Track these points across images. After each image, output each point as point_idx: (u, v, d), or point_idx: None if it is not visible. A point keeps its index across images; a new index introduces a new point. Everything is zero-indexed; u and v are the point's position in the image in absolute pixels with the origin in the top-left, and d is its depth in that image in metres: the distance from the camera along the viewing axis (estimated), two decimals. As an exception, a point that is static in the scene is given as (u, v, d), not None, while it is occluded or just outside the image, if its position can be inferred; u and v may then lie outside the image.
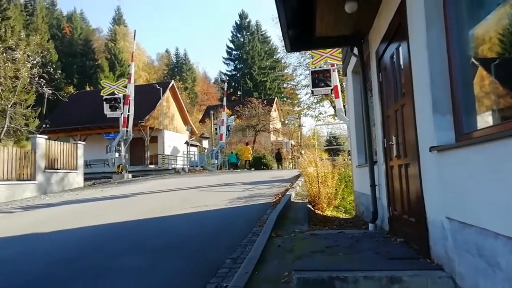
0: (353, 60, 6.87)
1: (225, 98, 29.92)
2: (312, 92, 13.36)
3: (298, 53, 26.97)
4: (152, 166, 27.39)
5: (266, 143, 39.84)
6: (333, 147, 32.14)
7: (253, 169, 26.71)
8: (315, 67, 13.02)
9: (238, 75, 63.41)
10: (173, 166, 27.79)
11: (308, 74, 15.74)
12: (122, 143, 18.69)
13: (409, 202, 3.79)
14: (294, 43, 5.75)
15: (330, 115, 28.66)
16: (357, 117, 7.13)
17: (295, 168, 26.59)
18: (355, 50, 5.84)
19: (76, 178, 14.80)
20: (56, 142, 14.44)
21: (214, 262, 3.90)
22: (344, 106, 12.43)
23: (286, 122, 47.88)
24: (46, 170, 13.06)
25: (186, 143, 29.46)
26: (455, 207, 2.64)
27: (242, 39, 65.29)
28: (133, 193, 10.84)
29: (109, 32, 66.17)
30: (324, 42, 6.26)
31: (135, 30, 25.64)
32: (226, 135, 28.66)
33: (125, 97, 18.38)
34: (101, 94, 18.66)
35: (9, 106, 18.68)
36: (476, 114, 2.63)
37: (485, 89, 2.59)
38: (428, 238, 3.18)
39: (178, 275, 3.69)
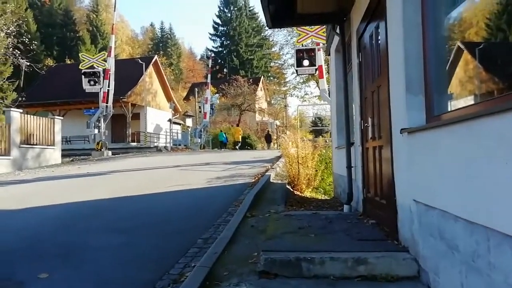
0: (336, 39, 6.76)
1: (209, 76, 29.41)
2: (296, 71, 13.18)
3: (285, 31, 26.66)
4: (133, 144, 27.02)
5: (251, 123, 39.68)
6: (318, 128, 32.26)
7: (238, 148, 26.78)
8: (301, 45, 12.82)
9: (224, 52, 62.30)
10: (155, 144, 27.47)
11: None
12: (102, 119, 18.26)
13: (382, 184, 3.79)
14: (275, 19, 5.58)
15: (315, 96, 28.66)
16: (338, 98, 7.08)
17: (279, 148, 26.69)
18: (337, 29, 5.73)
19: (53, 154, 14.45)
20: (33, 116, 13.97)
21: (185, 242, 3.87)
22: (328, 86, 12.37)
23: (272, 102, 47.69)
24: (22, 145, 12.68)
25: (169, 121, 29.09)
26: (421, 190, 2.64)
27: (229, 15, 63.84)
28: (111, 171, 10.66)
29: (90, 2, 63.55)
30: (307, 19, 6.13)
31: (115, 1, 24.60)
32: (210, 113, 28.36)
33: (105, 71, 17.84)
34: (80, 67, 18.05)
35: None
36: (448, 97, 2.59)
37: (459, 72, 2.54)
38: (397, 221, 3.20)
39: (148, 255, 3.63)
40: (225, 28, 63.33)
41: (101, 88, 17.77)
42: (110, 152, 18.68)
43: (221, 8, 64.82)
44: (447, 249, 2.20)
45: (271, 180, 8.05)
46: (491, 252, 1.71)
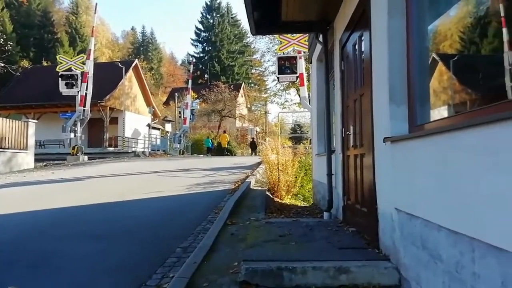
0: (318, 48, 6.82)
1: (190, 81, 29.19)
2: (278, 78, 13.25)
3: (267, 38, 26.88)
4: (111, 149, 26.40)
5: (231, 129, 39.56)
6: (297, 135, 32.49)
7: (226, 153, 27.07)
8: (282, 53, 12.90)
9: (206, 57, 62.14)
10: (133, 149, 26.96)
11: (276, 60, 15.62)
12: (79, 123, 17.78)
13: (363, 192, 3.80)
14: (260, 26, 5.60)
15: (295, 103, 28.88)
16: (319, 105, 7.12)
17: (258, 155, 26.71)
18: (320, 37, 5.77)
19: (26, 159, 13.92)
20: (4, 119, 13.43)
21: (163, 251, 3.75)
22: (308, 94, 12.47)
23: (253, 108, 47.79)
24: (-8, 149, 12.19)
25: (148, 125, 28.65)
26: (403, 198, 2.64)
27: (211, 21, 63.84)
28: (86, 177, 10.35)
29: (70, 4, 62.25)
30: (291, 27, 6.16)
31: (96, 3, 24.20)
32: (190, 119, 28.12)
33: (83, 74, 17.42)
34: (57, 69, 17.57)
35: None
36: (430, 107, 2.62)
37: (441, 83, 2.58)
38: (378, 229, 3.20)
39: (123, 265, 3.49)
40: (207, 34, 63.27)
41: (78, 91, 17.32)
42: (86, 157, 18.19)
43: (204, 14, 64.81)
44: (429, 259, 2.20)
45: (251, 187, 7.99)
46: (476, 263, 1.71)
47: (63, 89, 17.05)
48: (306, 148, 13.85)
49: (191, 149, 30.02)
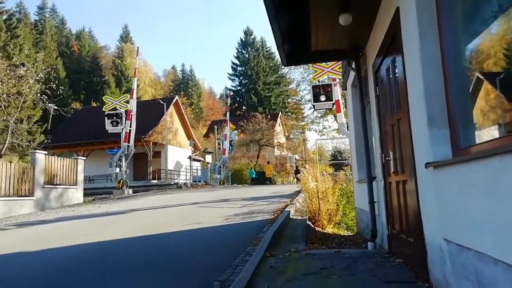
0: (352, 74, 6.77)
1: (228, 113, 29.89)
2: (314, 106, 13.20)
3: (301, 68, 27.07)
4: (154, 181, 27.24)
5: (270, 158, 39.62)
6: (337, 161, 31.85)
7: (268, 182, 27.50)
8: (317, 82, 12.92)
9: (243, 90, 63.71)
10: (175, 181, 27.63)
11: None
12: (123, 158, 18.59)
13: (407, 220, 3.60)
14: (290, 57, 5.67)
15: (334, 130, 28.46)
16: (356, 131, 6.98)
17: (297, 183, 26.41)
18: (353, 64, 5.73)
19: (76, 194, 14.67)
20: (56, 157, 14.35)
21: (201, 284, 3.71)
22: (346, 120, 12.28)
23: (291, 136, 47.72)
24: (45, 186, 12.95)
25: (189, 158, 29.36)
26: (452, 228, 2.46)
27: (247, 55, 65.85)
28: (130, 209, 10.67)
29: (116, 50, 67.24)
30: (322, 55, 6.18)
31: (138, 47, 26.01)
32: (229, 149, 28.54)
33: (127, 112, 18.39)
34: (103, 109, 18.69)
35: (11, 121, 18.76)
36: (474, 128, 2.47)
37: (485, 103, 2.44)
38: (427, 261, 2.99)
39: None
40: (243, 68, 65.17)
41: (123, 129, 18.24)
42: (131, 190, 18.85)
43: (239, 49, 67.12)
44: (485, 295, 2.00)
45: (291, 216, 7.83)
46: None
47: (108, 127, 18.03)
48: (346, 175, 13.49)
49: (231, 179, 30.28)
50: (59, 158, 14.30)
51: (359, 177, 6.92)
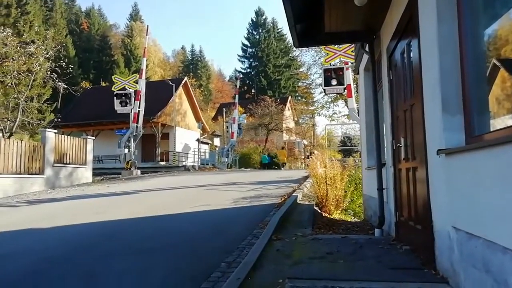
0: (365, 58, 6.63)
1: (237, 96, 29.77)
2: (324, 90, 13.02)
3: (313, 51, 26.65)
4: (162, 163, 27.47)
5: (278, 142, 39.59)
6: (346, 147, 31.70)
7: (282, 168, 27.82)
8: (328, 65, 12.71)
9: (252, 73, 63.23)
10: (183, 163, 27.81)
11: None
12: (132, 139, 18.71)
13: (416, 208, 3.56)
14: (303, 39, 5.55)
15: (344, 115, 28.17)
16: (367, 117, 6.88)
17: (306, 168, 26.43)
18: (366, 47, 5.60)
19: (85, 173, 14.85)
20: (66, 136, 14.48)
21: (208, 265, 3.74)
22: (357, 105, 12.13)
23: (300, 121, 47.46)
24: (55, 165, 13.12)
25: (197, 140, 29.48)
26: (462, 216, 2.42)
27: (257, 37, 65.07)
28: (139, 190, 10.79)
29: (125, 28, 66.81)
30: (335, 38, 6.05)
31: (147, 26, 25.79)
32: (238, 133, 28.56)
33: (136, 92, 18.39)
34: (113, 89, 18.71)
35: (22, 99, 18.92)
36: (489, 116, 2.39)
37: (500, 90, 2.35)
38: (434, 248, 2.96)
39: (170, 279, 3.53)
40: (253, 50, 64.49)
41: (131, 109, 18.29)
42: (139, 171, 19.04)
43: (250, 30, 66.28)
44: (494, 284, 1.97)
45: (298, 201, 7.84)
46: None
47: (117, 107, 18.07)
48: (355, 161, 13.41)
49: (239, 162, 30.39)
50: (68, 137, 14.43)
51: (368, 164, 6.86)
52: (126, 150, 18.49)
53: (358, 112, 11.01)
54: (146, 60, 20.94)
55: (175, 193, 10.24)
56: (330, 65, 12.53)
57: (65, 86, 21.05)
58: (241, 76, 51.68)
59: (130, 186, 12.16)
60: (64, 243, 4.96)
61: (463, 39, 2.60)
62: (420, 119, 3.22)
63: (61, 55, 20.85)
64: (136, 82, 18.71)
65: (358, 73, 8.42)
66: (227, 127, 30.71)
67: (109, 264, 4.04)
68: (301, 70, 40.55)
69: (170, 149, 29.91)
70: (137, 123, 18.68)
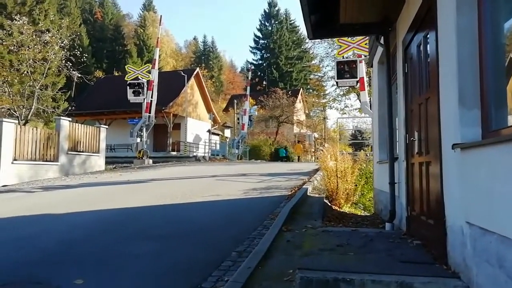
0: (380, 50, 6.55)
1: (248, 88, 29.71)
2: (337, 83, 12.94)
3: (326, 43, 26.35)
4: (173, 153, 27.68)
5: (288, 135, 39.50)
6: (358, 141, 31.44)
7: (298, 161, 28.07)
8: (342, 57, 12.58)
9: (264, 64, 62.90)
10: (194, 153, 28.00)
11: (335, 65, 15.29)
12: (144, 129, 18.88)
13: (429, 202, 3.53)
14: (317, 30, 5.49)
15: (356, 109, 27.90)
16: (380, 110, 6.81)
17: (316, 161, 26.35)
18: (381, 39, 5.54)
19: (98, 161, 15.07)
20: (80, 124, 14.67)
21: (219, 254, 3.79)
22: (369, 99, 12.01)
23: (311, 114, 47.18)
24: (69, 152, 13.33)
25: (208, 131, 29.59)
26: (476, 211, 2.40)
27: (270, 28, 64.57)
28: (151, 179, 10.92)
29: (139, 18, 66.87)
30: (349, 29, 5.98)
31: (161, 16, 25.87)
32: (248, 125, 28.55)
33: (148, 82, 18.50)
34: (125, 79, 18.85)
35: (37, 87, 19.19)
36: (507, 110, 2.35)
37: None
38: (446, 243, 2.94)
39: (181, 265, 3.59)
40: (265, 41, 64.07)
41: (144, 99, 18.42)
42: (151, 161, 19.23)
43: (262, 21, 65.80)
44: (507, 279, 1.96)
45: (308, 194, 7.85)
46: None
47: (130, 96, 18.23)
48: (367, 155, 13.31)
49: (249, 154, 30.45)
50: (82, 125, 14.63)
51: (380, 158, 6.81)
52: (138, 140, 18.67)
53: (370, 106, 10.91)
54: (159, 50, 20.99)
55: (186, 182, 10.33)
56: (343, 58, 12.40)
57: (79, 75, 21.26)
58: (253, 67, 51.43)
59: (142, 175, 12.31)
60: (79, 228, 5.10)
61: (482, 32, 2.55)
62: (436, 113, 3.18)
63: (75, 44, 21.00)
64: (149, 72, 18.80)
65: (371, 66, 8.32)
66: (238, 118, 30.72)
67: (125, 246, 4.15)
68: (313, 62, 40.17)
69: (181, 139, 30.11)
70: (150, 112, 18.82)
